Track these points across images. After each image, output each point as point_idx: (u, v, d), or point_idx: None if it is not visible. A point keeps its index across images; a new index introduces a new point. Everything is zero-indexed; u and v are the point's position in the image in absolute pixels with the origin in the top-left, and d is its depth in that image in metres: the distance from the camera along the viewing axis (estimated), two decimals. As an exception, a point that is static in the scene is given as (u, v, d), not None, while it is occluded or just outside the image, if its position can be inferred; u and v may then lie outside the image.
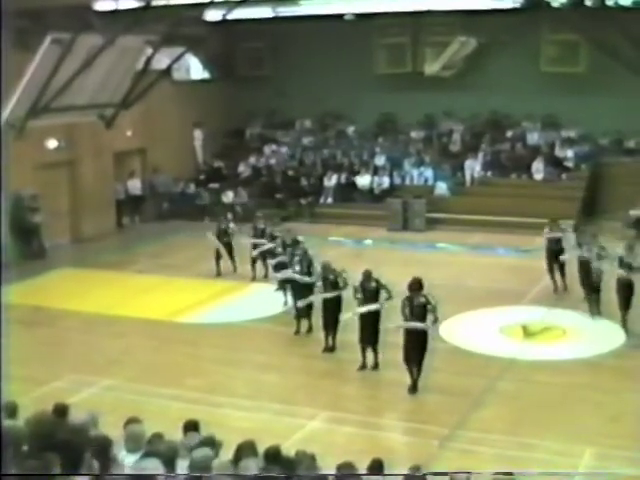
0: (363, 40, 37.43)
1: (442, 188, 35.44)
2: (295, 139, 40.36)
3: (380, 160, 37.22)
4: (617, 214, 31.91)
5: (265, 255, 24.61)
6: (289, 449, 10.18)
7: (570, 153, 35.46)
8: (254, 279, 25.41)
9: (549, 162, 35.14)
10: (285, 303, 22.61)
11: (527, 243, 26.83)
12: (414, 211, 33.62)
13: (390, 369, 18.60)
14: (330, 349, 19.41)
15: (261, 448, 9.49)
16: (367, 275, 18.38)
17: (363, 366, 18.38)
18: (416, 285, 16.98)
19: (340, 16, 34.59)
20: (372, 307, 17.99)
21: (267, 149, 39.96)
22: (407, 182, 36.54)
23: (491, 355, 18.74)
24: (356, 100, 38.42)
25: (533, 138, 36.62)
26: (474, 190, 35.43)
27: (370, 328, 18.13)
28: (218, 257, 26.28)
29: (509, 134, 37.23)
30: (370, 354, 18.35)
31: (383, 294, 18.11)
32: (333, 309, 19.29)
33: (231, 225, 26.69)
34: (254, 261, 25.39)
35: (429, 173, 36.24)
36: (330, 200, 36.56)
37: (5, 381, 12.33)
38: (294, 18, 34.66)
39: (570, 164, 35.24)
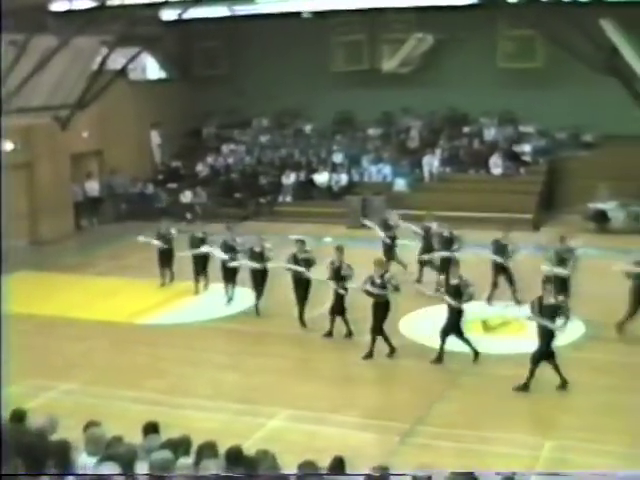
0: (320, 38, 37.50)
1: (401, 184, 35.57)
2: (253, 138, 40.34)
3: (338, 157, 37.31)
4: (576, 207, 32.21)
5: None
6: (250, 449, 10.15)
7: (528, 148, 35.71)
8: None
9: (507, 157, 35.34)
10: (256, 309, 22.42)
11: (486, 238, 26.87)
12: (373, 208, 33.67)
13: (351, 366, 18.73)
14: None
15: (222, 448, 9.48)
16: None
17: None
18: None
19: (297, 14, 34.60)
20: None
21: (225, 148, 39.93)
22: (365, 179, 36.68)
23: (451, 350, 18.78)
24: (313, 98, 38.48)
25: (490, 134, 36.83)
26: (433, 186, 35.59)
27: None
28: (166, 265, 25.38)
29: (466, 130, 37.42)
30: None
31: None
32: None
33: (172, 231, 25.44)
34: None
35: (387, 170, 36.38)
36: (289, 198, 36.61)
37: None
38: (251, 17, 34.65)
39: (528, 159, 35.48)
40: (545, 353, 16.78)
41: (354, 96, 37.77)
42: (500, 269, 22.61)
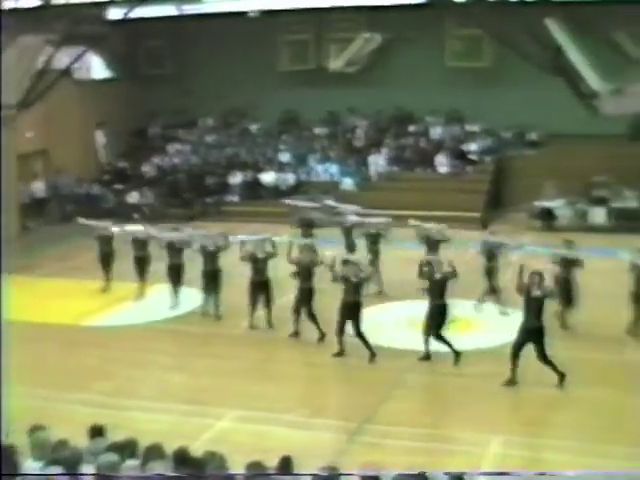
0: (267, 37, 37.49)
1: (348, 183, 35.66)
2: (199, 137, 40.24)
3: (285, 157, 37.36)
4: (523, 206, 32.52)
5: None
6: (198, 450, 10.13)
7: (474, 146, 35.98)
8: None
9: (453, 156, 35.57)
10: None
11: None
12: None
13: (298, 366, 18.73)
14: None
15: (170, 450, 9.46)
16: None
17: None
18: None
19: (243, 13, 34.59)
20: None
21: (171, 148, 39.76)
22: (313, 178, 36.69)
23: (398, 348, 18.88)
24: (260, 97, 38.46)
25: (437, 132, 37.04)
26: (380, 185, 35.71)
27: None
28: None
29: (413, 129, 37.60)
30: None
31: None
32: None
33: (113, 230, 24.67)
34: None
35: (334, 169, 36.45)
36: (236, 198, 36.53)
37: None
38: (198, 16, 34.56)
39: (475, 157, 35.72)
40: (541, 345, 16.76)
41: (300, 95, 37.80)
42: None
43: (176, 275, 22.64)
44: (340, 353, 18.66)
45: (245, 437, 14.71)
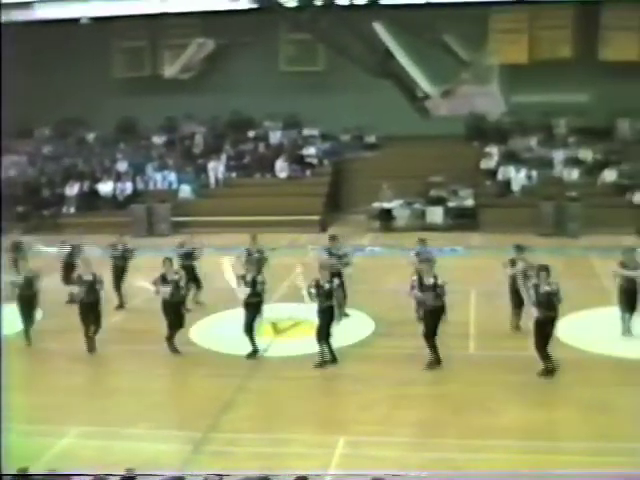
0: (101, 44, 36.97)
1: (186, 191, 35.49)
2: (35, 148, 39.34)
3: (122, 166, 36.90)
4: (362, 207, 32.92)
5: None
6: (40, 470, 9.88)
7: (312, 150, 36.24)
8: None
9: (293, 160, 35.77)
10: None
11: (273, 241, 27.05)
12: (159, 216, 33.52)
13: (140, 378, 18.44)
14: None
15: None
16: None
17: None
18: None
19: (76, 20, 34.08)
20: None
21: (6, 160, 38.74)
22: (151, 187, 36.37)
23: (241, 355, 18.82)
24: (96, 106, 37.89)
25: (275, 137, 37.20)
26: (219, 192, 35.62)
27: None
28: None
29: (251, 134, 37.65)
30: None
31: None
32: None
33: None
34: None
35: (172, 177, 36.19)
36: (73, 209, 35.82)
37: None
38: (28, 23, 33.85)
39: (313, 161, 35.99)
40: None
41: (137, 103, 37.43)
42: None
43: (28, 307, 21.34)
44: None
45: (89, 453, 14.40)
